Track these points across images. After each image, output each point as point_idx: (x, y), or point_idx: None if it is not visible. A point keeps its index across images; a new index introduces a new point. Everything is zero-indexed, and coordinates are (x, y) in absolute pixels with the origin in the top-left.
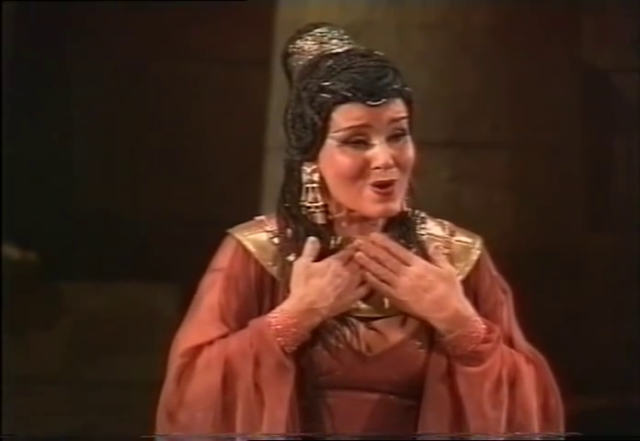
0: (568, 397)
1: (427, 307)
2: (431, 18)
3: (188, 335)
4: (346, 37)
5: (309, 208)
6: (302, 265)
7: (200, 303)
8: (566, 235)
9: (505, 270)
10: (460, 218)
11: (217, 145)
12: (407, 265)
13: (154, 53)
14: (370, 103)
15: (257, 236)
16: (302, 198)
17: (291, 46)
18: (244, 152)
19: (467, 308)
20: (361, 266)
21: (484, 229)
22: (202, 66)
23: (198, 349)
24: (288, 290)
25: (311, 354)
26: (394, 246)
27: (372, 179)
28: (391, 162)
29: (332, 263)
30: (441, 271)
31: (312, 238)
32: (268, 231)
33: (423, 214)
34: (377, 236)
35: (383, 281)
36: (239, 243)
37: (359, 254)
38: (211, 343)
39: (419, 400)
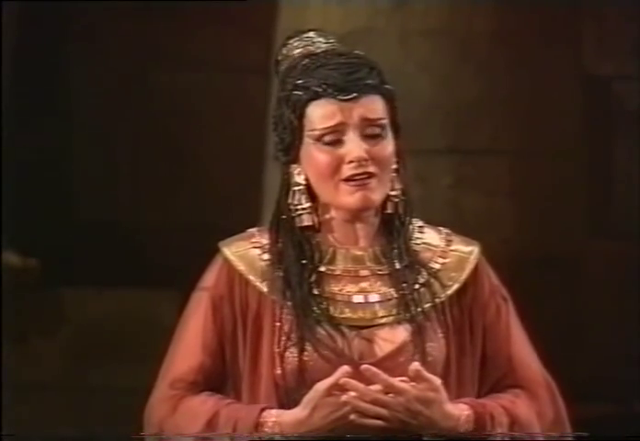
0: (568, 404)
1: (408, 423)
2: (433, 25)
3: (177, 361)
4: (332, 40)
5: (296, 210)
6: (322, 390)
7: (187, 325)
8: (567, 242)
9: (505, 277)
10: (461, 225)
11: (218, 153)
12: (400, 395)
13: (154, 61)
14: (340, 97)
15: (246, 252)
16: (289, 201)
17: (280, 53)
18: (244, 160)
19: (450, 419)
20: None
21: (484, 235)
22: (203, 74)
23: (191, 386)
24: (279, 304)
25: (304, 363)
26: (385, 380)
27: (346, 174)
28: (364, 155)
29: (350, 401)
30: (428, 396)
31: (345, 366)
32: (257, 247)
33: (420, 223)
34: (368, 369)
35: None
36: (226, 260)
37: (363, 405)
38: (199, 371)
39: None
